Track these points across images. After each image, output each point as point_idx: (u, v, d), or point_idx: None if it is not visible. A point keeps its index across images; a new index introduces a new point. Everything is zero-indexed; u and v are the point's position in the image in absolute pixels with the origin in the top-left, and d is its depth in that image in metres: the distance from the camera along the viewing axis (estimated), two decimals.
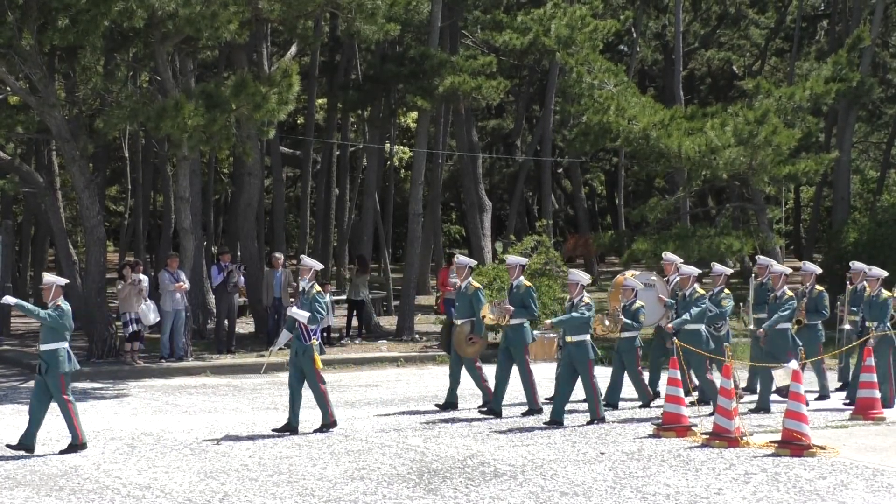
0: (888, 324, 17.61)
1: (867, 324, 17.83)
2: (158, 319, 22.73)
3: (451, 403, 17.57)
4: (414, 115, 37.63)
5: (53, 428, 15.38)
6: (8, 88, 23.50)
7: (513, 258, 17.84)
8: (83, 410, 17.41)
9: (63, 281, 15.28)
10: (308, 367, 15.54)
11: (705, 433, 14.99)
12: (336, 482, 12.68)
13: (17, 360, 23.22)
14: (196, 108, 20.91)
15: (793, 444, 13.93)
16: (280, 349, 16.96)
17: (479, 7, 35.22)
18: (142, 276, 22.77)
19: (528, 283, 17.31)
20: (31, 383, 20.87)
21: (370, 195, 33.59)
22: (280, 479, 12.82)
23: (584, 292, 16.56)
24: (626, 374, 18.00)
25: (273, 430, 15.53)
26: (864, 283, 18.28)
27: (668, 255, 19.11)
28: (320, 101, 39.22)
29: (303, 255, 17.90)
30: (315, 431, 15.57)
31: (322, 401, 15.67)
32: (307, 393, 15.69)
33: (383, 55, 32.00)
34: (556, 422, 16.12)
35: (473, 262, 18.26)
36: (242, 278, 25.45)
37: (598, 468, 13.32)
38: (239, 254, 27.06)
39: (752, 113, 27.23)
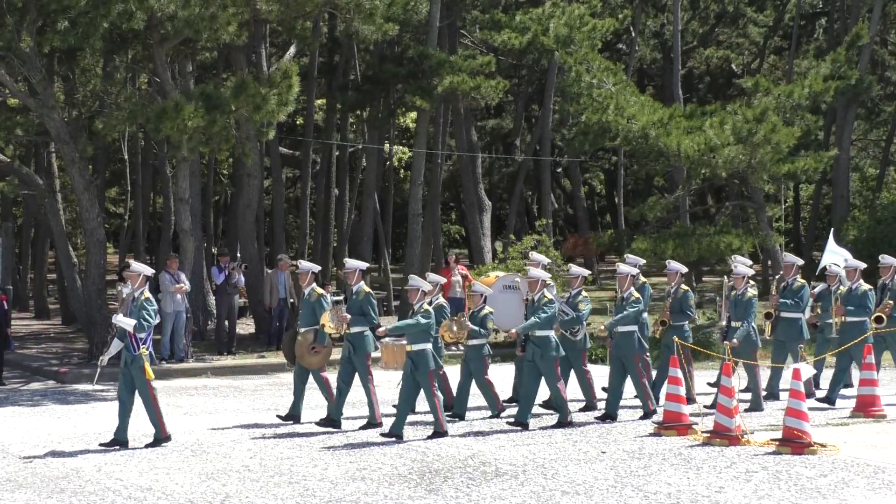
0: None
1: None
2: (158, 321, 22.69)
3: (293, 416, 16.44)
4: (413, 115, 37.64)
5: (65, 428, 15.38)
6: (7, 91, 23.48)
7: (352, 262, 16.60)
8: (85, 412, 17.47)
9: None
10: (138, 377, 14.61)
11: (706, 431, 14.99)
12: (337, 482, 12.68)
13: (17, 362, 23.22)
14: (195, 110, 20.91)
15: (794, 442, 13.94)
16: (111, 358, 15.14)
17: (478, 7, 35.24)
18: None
19: (368, 290, 16.25)
20: (32, 385, 20.99)
21: (370, 195, 33.59)
22: (281, 480, 12.83)
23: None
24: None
25: (100, 444, 14.75)
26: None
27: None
28: (319, 101, 39.21)
29: (130, 260, 16.45)
30: (147, 447, 14.65)
31: (153, 414, 14.74)
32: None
33: (382, 55, 32.01)
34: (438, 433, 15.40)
35: (317, 268, 17.16)
36: (242, 278, 25.44)
37: (600, 467, 13.33)
38: (239, 255, 27.06)
39: (751, 111, 27.25)
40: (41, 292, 34.20)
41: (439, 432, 15.26)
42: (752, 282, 17.34)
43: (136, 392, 14.75)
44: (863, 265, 18.35)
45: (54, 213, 26.74)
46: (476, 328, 16.30)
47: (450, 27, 32.35)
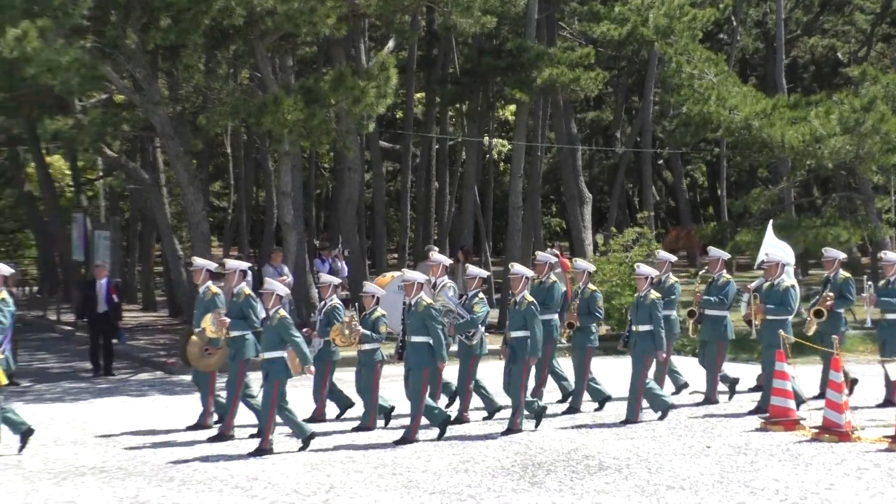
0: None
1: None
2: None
3: (200, 425, 15.61)
4: (512, 107, 37.53)
5: (172, 418, 15.59)
6: (114, 87, 23.87)
7: (198, 261, 15.98)
8: (192, 403, 17.61)
9: (212, 264, 15.61)
10: None
11: (815, 427, 14.73)
12: (440, 474, 12.69)
13: (126, 353, 23.60)
14: (295, 104, 21.05)
15: None
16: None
17: None
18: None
19: (249, 292, 15.23)
20: (140, 376, 21.32)
21: (470, 188, 33.56)
22: (385, 472, 12.87)
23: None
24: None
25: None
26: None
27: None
28: (419, 95, 39.28)
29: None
30: None
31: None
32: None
33: (480, 48, 31.95)
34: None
35: (213, 265, 16.11)
36: (346, 268, 25.51)
37: (705, 462, 13.17)
38: (340, 246, 27.20)
39: (858, 100, 26.68)
40: (148, 285, 34.71)
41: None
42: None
43: None
44: (842, 255, 17.79)
45: (160, 206, 27.12)
46: (367, 332, 15.19)
47: (548, 19, 32.19)
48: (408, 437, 14.56)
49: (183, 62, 24.76)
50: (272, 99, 21.15)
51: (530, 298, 15.28)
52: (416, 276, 15.37)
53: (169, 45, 22.11)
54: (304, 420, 14.97)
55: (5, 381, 13.85)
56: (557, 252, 24.15)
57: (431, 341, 14.65)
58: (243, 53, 25.77)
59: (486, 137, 37.65)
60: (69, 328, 27.57)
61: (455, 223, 38.12)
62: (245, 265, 15.91)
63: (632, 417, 15.72)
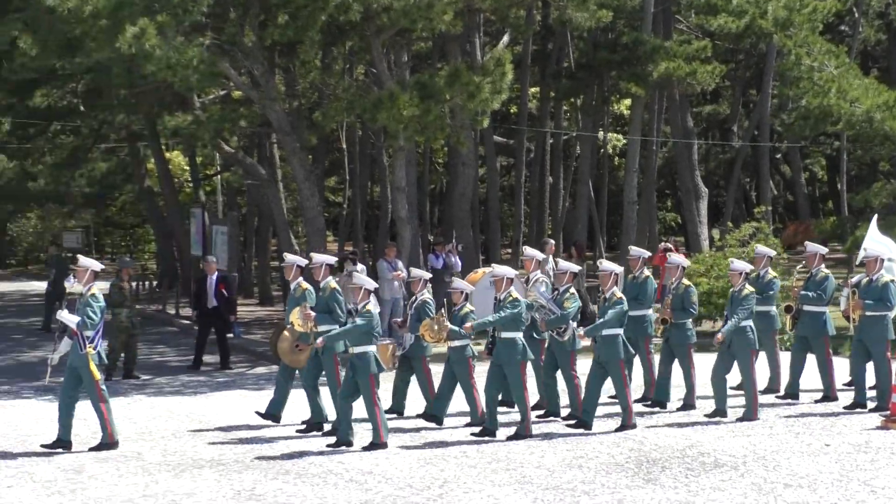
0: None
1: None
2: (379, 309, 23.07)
3: (271, 415, 15.57)
4: (627, 101, 37.30)
5: (288, 411, 15.76)
6: (231, 83, 24.21)
7: (289, 257, 16.00)
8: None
9: (302, 261, 15.60)
10: (86, 377, 13.89)
11: None
12: (554, 470, 12.65)
13: (243, 347, 23.92)
14: (411, 99, 21.14)
15: None
16: (62, 356, 14.52)
17: None
18: (360, 266, 23.15)
19: (334, 286, 15.14)
20: (257, 370, 21.59)
21: (584, 183, 33.43)
22: (498, 467, 12.87)
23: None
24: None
25: (41, 446, 14.04)
26: None
27: (528, 251, 17.00)
28: (533, 89, 39.22)
29: (80, 256, 15.20)
30: (91, 450, 13.95)
31: (101, 417, 14.00)
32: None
33: (595, 42, 31.80)
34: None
35: (303, 261, 16.03)
36: (459, 262, 25.58)
37: (823, 460, 12.94)
38: (453, 241, 27.27)
39: None
40: (265, 279, 35.15)
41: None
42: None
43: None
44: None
45: (276, 202, 27.44)
46: (456, 328, 14.86)
47: (664, 12, 31.92)
48: (521, 433, 14.51)
49: (300, 58, 25.03)
50: (388, 94, 21.26)
51: (619, 294, 15.14)
52: (506, 271, 15.24)
53: (286, 41, 22.38)
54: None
55: (99, 376, 13.94)
56: (671, 247, 23.83)
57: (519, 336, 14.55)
58: (359, 49, 25.98)
59: (601, 132, 37.46)
60: (187, 322, 28.05)
61: (569, 218, 38.03)
62: (332, 259, 15.87)
63: (749, 416, 15.50)
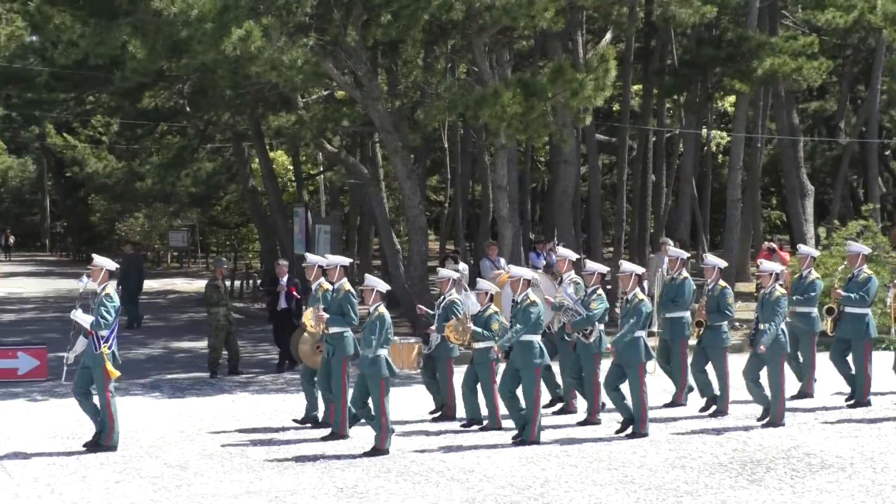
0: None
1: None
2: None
3: (311, 417, 15.62)
4: (732, 98, 36.85)
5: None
6: (334, 84, 24.39)
7: (310, 257, 15.93)
8: (407, 395, 17.85)
9: (324, 261, 15.55)
10: (98, 376, 13.87)
11: None
12: (656, 470, 12.57)
13: None
14: (514, 97, 21.11)
15: None
16: (77, 355, 14.43)
17: None
18: (462, 265, 23.17)
19: (348, 288, 14.90)
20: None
21: (687, 181, 33.13)
22: (600, 466, 12.82)
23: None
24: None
25: (84, 446, 14.11)
26: None
27: (561, 251, 16.86)
28: (636, 87, 38.94)
29: (94, 255, 15.15)
30: (85, 445, 14.03)
31: (106, 419, 13.99)
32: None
33: (699, 39, 31.49)
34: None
35: (324, 261, 15.80)
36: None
37: None
38: (555, 239, 27.18)
39: None
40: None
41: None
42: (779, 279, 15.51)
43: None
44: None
45: (378, 201, 27.59)
46: (479, 330, 14.71)
47: (770, 7, 31.51)
48: (527, 439, 14.22)
49: (402, 58, 25.12)
50: (491, 92, 21.26)
51: (641, 296, 14.78)
52: (523, 272, 15.11)
53: (388, 41, 22.48)
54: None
55: (116, 375, 13.95)
56: (775, 246, 23.50)
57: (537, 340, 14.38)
58: (461, 48, 25.99)
59: (705, 129, 37.10)
60: None
61: (672, 216, 37.70)
62: (346, 260, 15.64)
63: (774, 421, 14.96)
